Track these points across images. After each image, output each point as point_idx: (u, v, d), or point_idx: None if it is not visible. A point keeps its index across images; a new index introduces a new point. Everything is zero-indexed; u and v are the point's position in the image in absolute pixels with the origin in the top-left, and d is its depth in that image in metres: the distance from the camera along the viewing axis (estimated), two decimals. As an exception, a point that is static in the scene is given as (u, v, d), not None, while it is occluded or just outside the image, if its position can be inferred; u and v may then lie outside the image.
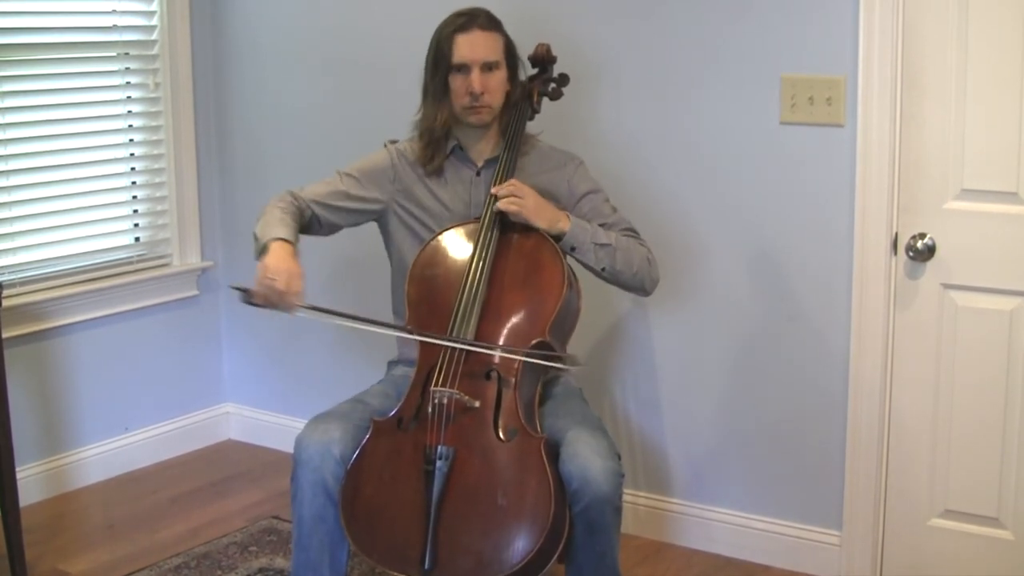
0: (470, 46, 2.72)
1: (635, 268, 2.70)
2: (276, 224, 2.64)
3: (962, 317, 2.93)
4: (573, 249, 2.66)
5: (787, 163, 3.09)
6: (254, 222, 2.70)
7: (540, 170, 2.82)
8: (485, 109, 2.74)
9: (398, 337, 2.89)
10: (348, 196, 2.82)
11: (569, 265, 2.65)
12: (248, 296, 2.50)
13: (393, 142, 2.90)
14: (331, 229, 2.84)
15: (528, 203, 2.63)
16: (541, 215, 2.64)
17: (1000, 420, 2.92)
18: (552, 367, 2.63)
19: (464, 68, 2.72)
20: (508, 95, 2.80)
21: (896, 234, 2.97)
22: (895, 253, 2.98)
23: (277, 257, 2.52)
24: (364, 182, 2.83)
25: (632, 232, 2.78)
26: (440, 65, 2.75)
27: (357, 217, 2.86)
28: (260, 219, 2.68)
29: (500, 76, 2.76)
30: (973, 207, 2.88)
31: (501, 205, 2.63)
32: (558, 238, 2.64)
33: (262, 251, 2.56)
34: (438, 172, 2.81)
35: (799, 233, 3.11)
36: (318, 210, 2.78)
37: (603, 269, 2.69)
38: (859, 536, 3.13)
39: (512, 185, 2.65)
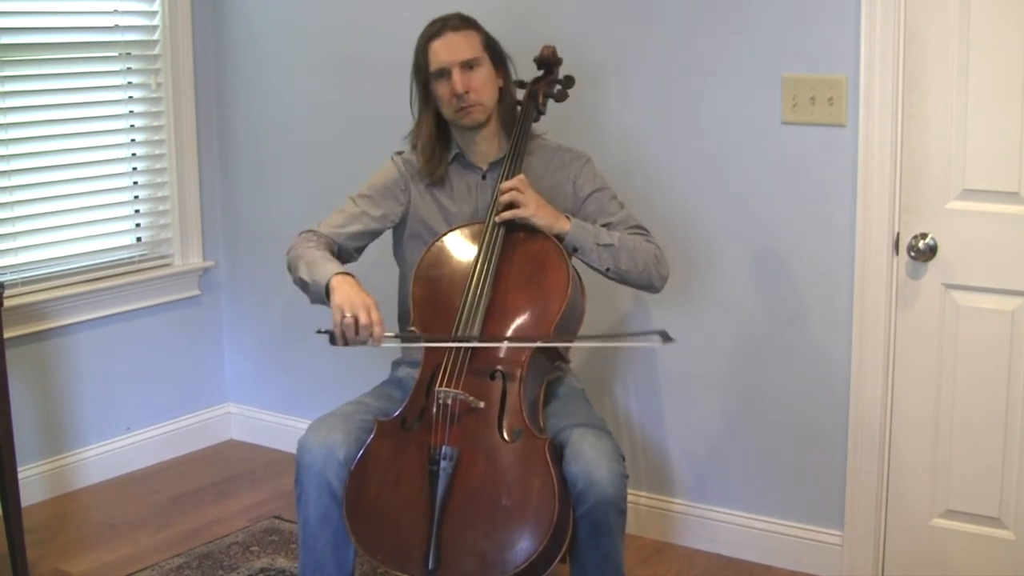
0: (445, 49, 2.72)
1: (641, 266, 2.70)
2: (323, 262, 2.62)
3: (963, 317, 2.94)
4: (576, 250, 2.66)
5: (788, 163, 3.10)
6: (293, 270, 2.68)
7: (545, 170, 2.82)
8: (476, 108, 2.73)
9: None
10: (367, 217, 2.81)
11: (574, 266, 2.65)
12: (334, 339, 2.48)
13: (399, 153, 2.90)
14: (358, 254, 2.84)
15: (529, 203, 2.63)
16: (541, 215, 2.64)
17: (1002, 420, 2.92)
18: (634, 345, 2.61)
19: (444, 72, 2.71)
20: (502, 91, 2.79)
21: (898, 234, 2.98)
22: (897, 253, 2.99)
23: (348, 293, 2.50)
24: (378, 199, 2.82)
25: (639, 229, 2.77)
26: (420, 76, 2.76)
27: (379, 234, 2.86)
28: (299, 263, 2.66)
29: (483, 72, 2.74)
30: (975, 207, 2.88)
31: (497, 218, 2.63)
32: (559, 239, 2.65)
33: (326, 292, 2.54)
34: (443, 181, 2.81)
35: (801, 233, 3.11)
36: (343, 241, 2.77)
37: (608, 269, 2.68)
38: (860, 536, 3.14)
39: (519, 180, 2.65)
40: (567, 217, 2.67)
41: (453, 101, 2.72)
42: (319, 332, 2.51)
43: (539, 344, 2.54)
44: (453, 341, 2.55)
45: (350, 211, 2.82)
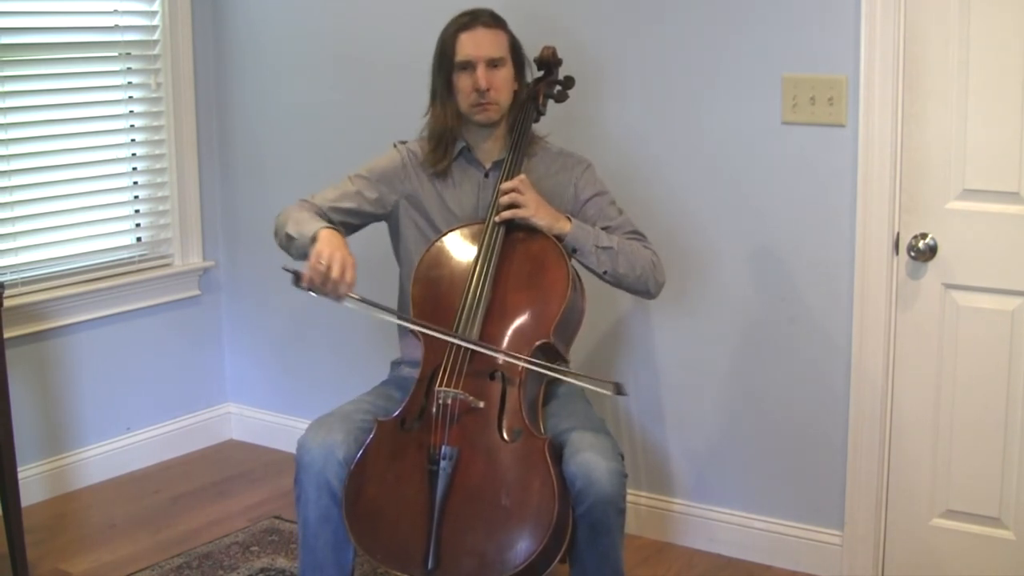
0: (474, 43, 2.72)
1: (638, 271, 2.70)
2: (312, 220, 2.63)
3: (963, 317, 2.94)
4: (575, 251, 2.66)
5: (789, 163, 3.10)
6: (280, 227, 2.68)
7: (547, 173, 2.82)
8: (492, 106, 2.73)
9: (401, 338, 2.89)
10: (361, 197, 2.81)
11: (573, 266, 2.65)
12: (299, 279, 2.46)
13: (403, 142, 2.90)
14: (347, 232, 2.83)
15: (529, 203, 2.63)
16: (541, 215, 2.64)
17: (1002, 420, 2.92)
18: (591, 388, 2.64)
19: (469, 66, 2.72)
20: (516, 94, 2.80)
21: (898, 234, 2.98)
22: (897, 253, 2.99)
23: (330, 244, 2.49)
24: (375, 182, 2.83)
25: (637, 235, 2.78)
26: (444, 65, 2.75)
27: (370, 218, 2.85)
28: (288, 222, 2.66)
29: (506, 73, 2.75)
30: (975, 207, 2.88)
31: (498, 218, 2.63)
32: (559, 239, 2.65)
33: (312, 241, 2.53)
34: (446, 174, 2.81)
35: (801, 233, 3.11)
36: (332, 215, 2.76)
37: (605, 272, 2.68)
38: (860, 536, 3.14)
39: (519, 181, 2.65)
40: (567, 218, 2.67)
41: (472, 95, 2.72)
42: (285, 269, 2.48)
43: (502, 356, 2.52)
44: (416, 324, 2.55)
45: (345, 188, 2.82)
